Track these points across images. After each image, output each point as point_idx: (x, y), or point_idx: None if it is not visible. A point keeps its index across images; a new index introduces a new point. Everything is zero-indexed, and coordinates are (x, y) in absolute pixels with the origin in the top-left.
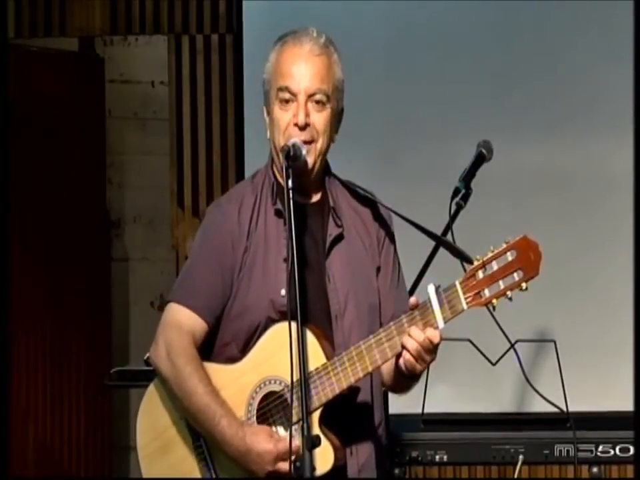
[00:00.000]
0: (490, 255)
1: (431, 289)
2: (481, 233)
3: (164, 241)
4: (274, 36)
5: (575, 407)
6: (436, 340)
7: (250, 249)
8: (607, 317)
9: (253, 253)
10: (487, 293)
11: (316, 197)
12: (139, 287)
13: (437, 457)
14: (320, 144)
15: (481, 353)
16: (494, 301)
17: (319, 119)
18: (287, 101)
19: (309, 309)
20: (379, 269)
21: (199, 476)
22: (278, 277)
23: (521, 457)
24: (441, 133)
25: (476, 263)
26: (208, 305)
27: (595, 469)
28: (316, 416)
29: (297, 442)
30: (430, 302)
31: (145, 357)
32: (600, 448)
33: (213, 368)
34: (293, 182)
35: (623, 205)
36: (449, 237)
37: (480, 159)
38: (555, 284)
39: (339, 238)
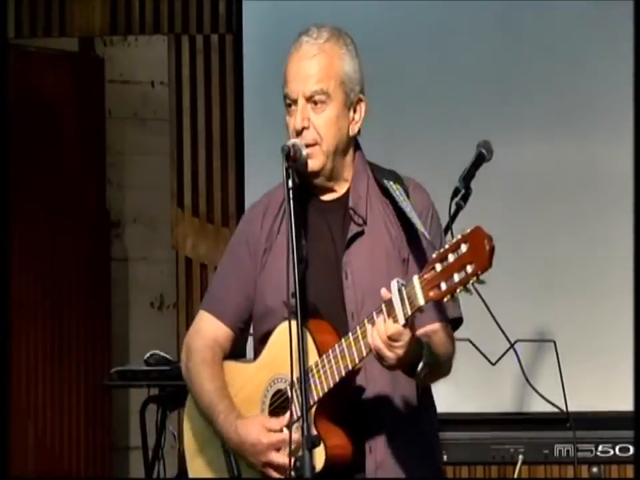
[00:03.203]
0: (446, 247)
1: (394, 285)
2: None
3: (164, 241)
4: (274, 36)
5: (575, 406)
6: (390, 331)
7: (270, 251)
8: (606, 317)
9: (273, 254)
10: (443, 286)
11: (339, 193)
12: (139, 287)
13: None
14: (325, 145)
15: (481, 352)
16: (454, 293)
17: (319, 119)
18: (291, 106)
19: (324, 306)
20: (405, 261)
21: (226, 474)
22: (291, 279)
23: (520, 456)
24: (441, 133)
25: (434, 256)
26: (231, 310)
27: (594, 469)
28: (310, 414)
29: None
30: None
31: (145, 357)
32: (600, 448)
33: (237, 366)
34: (293, 182)
35: (623, 205)
36: (449, 236)
37: (480, 159)
38: (555, 284)
39: (359, 234)
